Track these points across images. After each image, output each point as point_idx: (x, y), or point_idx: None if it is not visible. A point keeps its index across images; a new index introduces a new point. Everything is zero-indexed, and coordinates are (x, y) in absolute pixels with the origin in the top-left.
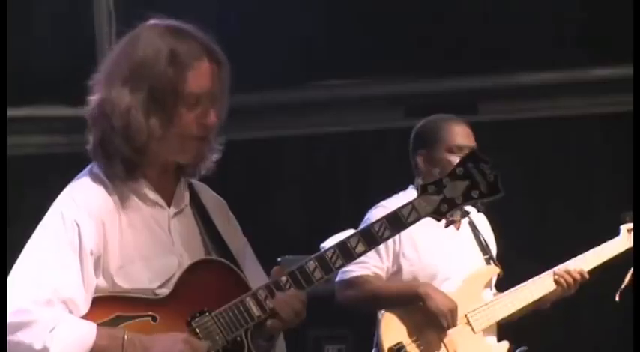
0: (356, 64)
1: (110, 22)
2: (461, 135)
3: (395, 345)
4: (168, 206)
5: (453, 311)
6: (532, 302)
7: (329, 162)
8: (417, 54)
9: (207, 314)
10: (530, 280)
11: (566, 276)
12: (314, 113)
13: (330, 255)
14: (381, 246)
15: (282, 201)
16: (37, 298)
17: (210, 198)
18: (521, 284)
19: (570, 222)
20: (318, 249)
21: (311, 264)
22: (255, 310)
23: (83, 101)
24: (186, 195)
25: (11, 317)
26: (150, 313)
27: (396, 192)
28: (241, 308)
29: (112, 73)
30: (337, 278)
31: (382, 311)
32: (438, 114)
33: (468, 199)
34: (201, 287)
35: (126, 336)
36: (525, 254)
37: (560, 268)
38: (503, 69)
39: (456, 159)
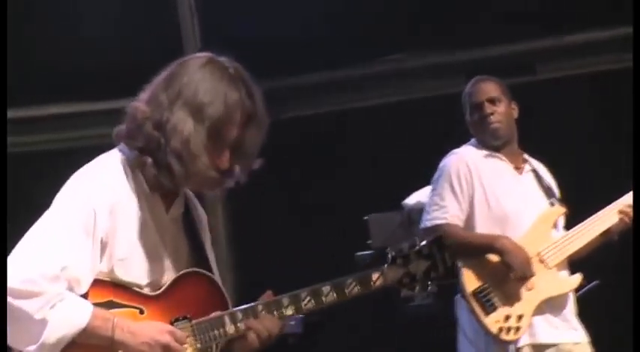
0: (415, 35)
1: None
2: (476, 93)
3: (477, 288)
4: (167, 212)
5: (528, 263)
6: (599, 236)
7: (401, 129)
8: (477, 19)
9: (187, 320)
10: (595, 215)
11: (628, 210)
12: (379, 86)
13: (303, 297)
14: (459, 192)
15: (364, 163)
16: (45, 272)
17: (196, 207)
18: (586, 220)
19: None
20: (400, 207)
21: (285, 300)
22: (229, 328)
23: None
24: (182, 204)
25: (17, 284)
26: (139, 306)
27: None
28: (218, 323)
29: (178, 96)
30: (421, 226)
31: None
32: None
33: (426, 278)
34: (188, 295)
35: (116, 320)
36: (589, 195)
37: (622, 202)
38: (559, 29)
39: (477, 117)
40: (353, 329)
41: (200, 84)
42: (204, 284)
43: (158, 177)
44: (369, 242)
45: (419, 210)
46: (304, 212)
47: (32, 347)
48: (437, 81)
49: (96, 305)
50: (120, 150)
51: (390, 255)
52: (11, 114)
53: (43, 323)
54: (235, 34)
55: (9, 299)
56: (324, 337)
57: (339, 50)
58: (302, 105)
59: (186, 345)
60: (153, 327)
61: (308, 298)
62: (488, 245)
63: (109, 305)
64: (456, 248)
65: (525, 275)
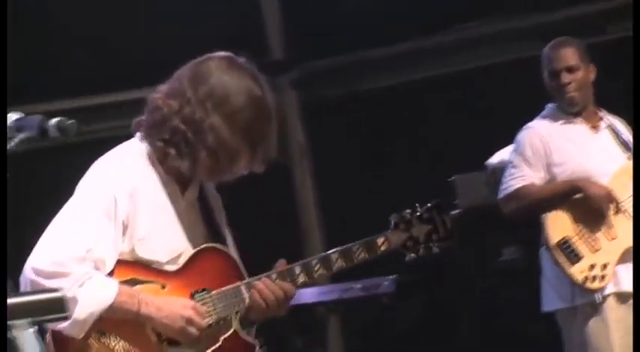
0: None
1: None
2: (555, 61)
3: (561, 240)
4: (182, 195)
5: (610, 194)
6: None
7: (481, 94)
8: None
9: (207, 292)
10: None
11: None
12: (455, 54)
13: (314, 264)
14: (532, 159)
15: (448, 126)
16: (72, 254)
17: (212, 194)
18: None
19: None
20: (483, 167)
21: (297, 268)
22: (246, 297)
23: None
24: (197, 188)
25: (47, 266)
26: (161, 281)
27: (539, 112)
28: (236, 293)
29: (209, 96)
30: (499, 196)
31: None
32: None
33: (428, 241)
34: (206, 269)
35: (140, 295)
36: None
37: None
38: None
39: (555, 85)
40: (445, 286)
41: (229, 85)
42: (221, 259)
43: (179, 168)
44: (455, 202)
45: (502, 169)
46: (392, 175)
47: (64, 324)
48: (512, 45)
49: (120, 283)
50: (139, 139)
51: (393, 221)
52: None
53: (73, 301)
54: (316, 9)
55: (40, 280)
56: (417, 295)
57: (417, 21)
58: (387, 75)
59: (207, 319)
60: (176, 302)
61: (318, 266)
62: (570, 186)
63: (133, 282)
64: (539, 202)
65: (608, 205)
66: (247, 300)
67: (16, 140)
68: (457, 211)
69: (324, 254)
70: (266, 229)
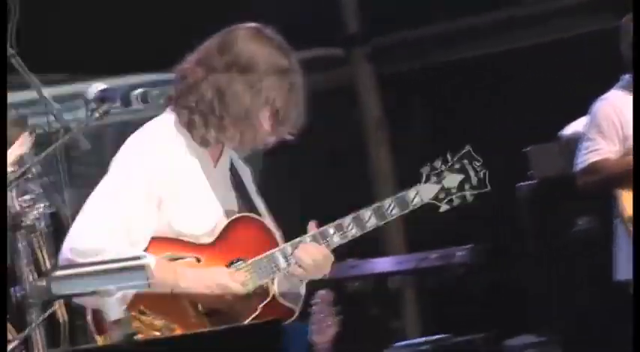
0: None
1: None
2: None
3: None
4: (215, 166)
5: None
6: None
7: (557, 66)
8: None
9: (243, 261)
10: None
11: None
12: (530, 27)
13: (347, 223)
14: (607, 131)
15: (525, 98)
16: (107, 232)
17: (241, 165)
18: None
19: None
20: (558, 138)
21: (331, 229)
22: (282, 262)
23: (327, 44)
24: (228, 160)
25: (83, 245)
26: (195, 255)
27: (614, 84)
28: (272, 260)
29: (234, 63)
30: (576, 168)
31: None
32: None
33: (461, 190)
34: (240, 239)
35: (178, 269)
36: None
37: None
38: None
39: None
40: (519, 255)
41: (254, 54)
42: (255, 227)
43: (205, 136)
44: (530, 172)
45: (576, 140)
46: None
47: (102, 301)
48: (585, 18)
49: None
50: (170, 112)
51: (424, 174)
52: None
53: None
54: None
55: (77, 258)
56: (492, 264)
57: None
58: (462, 48)
59: (245, 287)
60: (213, 272)
61: (351, 225)
62: None
63: (168, 258)
64: (613, 178)
65: None
66: (283, 266)
67: (100, 110)
68: (530, 182)
69: (355, 213)
70: (340, 200)
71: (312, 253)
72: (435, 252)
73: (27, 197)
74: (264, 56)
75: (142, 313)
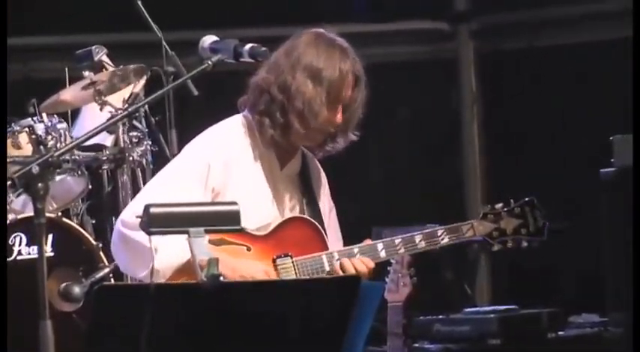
0: None
1: None
2: None
3: None
4: (281, 169)
5: None
6: None
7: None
8: None
9: (289, 258)
10: None
11: None
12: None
13: (397, 243)
14: None
15: (605, 90)
16: None
17: (315, 167)
18: None
19: None
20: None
21: (380, 246)
22: (326, 265)
23: (438, 17)
24: (299, 164)
25: (133, 219)
26: (247, 244)
27: None
28: (317, 261)
29: (297, 62)
30: None
31: None
32: None
33: (516, 234)
34: (292, 237)
35: (222, 256)
36: None
37: None
38: None
39: None
40: (592, 236)
41: (316, 52)
42: (308, 229)
43: (274, 136)
44: (612, 160)
45: None
46: (559, 133)
47: (144, 273)
48: None
49: (210, 242)
50: (243, 115)
51: (482, 212)
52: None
53: (155, 251)
54: None
55: (126, 231)
56: (564, 240)
57: None
58: (566, 34)
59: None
60: (251, 265)
61: (400, 245)
62: None
63: (220, 242)
64: None
65: None
66: (327, 270)
67: (211, 61)
68: (612, 169)
69: (408, 234)
70: (430, 172)
71: (357, 264)
72: None
73: (134, 133)
74: (326, 56)
75: None
